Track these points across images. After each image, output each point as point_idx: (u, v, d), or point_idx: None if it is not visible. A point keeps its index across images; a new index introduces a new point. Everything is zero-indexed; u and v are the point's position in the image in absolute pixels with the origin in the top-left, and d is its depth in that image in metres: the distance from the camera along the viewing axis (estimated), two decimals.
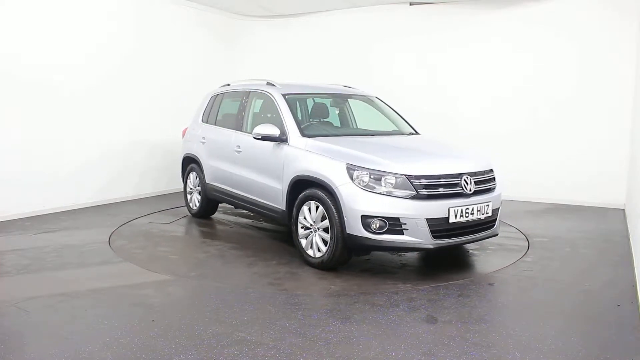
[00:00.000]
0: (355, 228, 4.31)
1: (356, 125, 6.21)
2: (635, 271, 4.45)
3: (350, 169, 4.39)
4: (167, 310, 3.67)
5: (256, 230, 6.27)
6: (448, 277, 4.48)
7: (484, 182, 4.65)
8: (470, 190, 4.44)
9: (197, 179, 6.69)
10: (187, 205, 7.00)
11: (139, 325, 3.40)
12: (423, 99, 8.61)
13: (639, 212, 4.86)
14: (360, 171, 4.35)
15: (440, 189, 4.35)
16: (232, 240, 5.78)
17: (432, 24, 8.57)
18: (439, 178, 4.37)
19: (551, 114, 7.80)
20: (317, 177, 4.60)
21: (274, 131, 5.11)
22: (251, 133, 5.38)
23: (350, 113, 6.26)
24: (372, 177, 4.31)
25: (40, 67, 6.68)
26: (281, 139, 5.12)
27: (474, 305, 3.83)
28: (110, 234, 5.82)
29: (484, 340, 3.20)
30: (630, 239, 5.54)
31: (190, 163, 6.88)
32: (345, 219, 4.35)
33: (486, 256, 5.11)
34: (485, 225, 4.62)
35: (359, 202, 4.28)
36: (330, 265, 4.56)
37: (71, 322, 3.47)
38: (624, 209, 7.25)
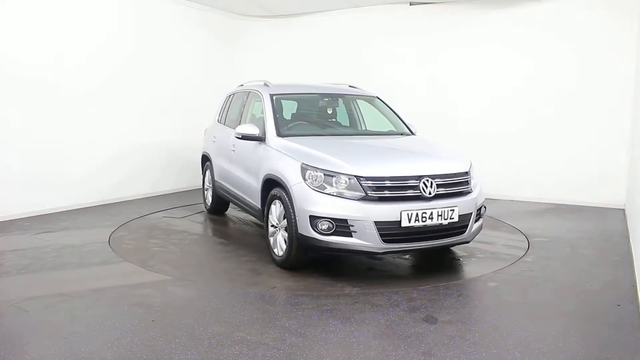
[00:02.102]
0: (305, 228, 4.28)
1: (362, 127, 6.15)
2: (635, 271, 4.45)
3: (304, 168, 4.39)
4: (167, 310, 3.67)
5: (256, 227, 6.29)
6: (448, 277, 4.48)
7: (452, 185, 4.43)
8: (429, 193, 4.25)
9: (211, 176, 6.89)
10: (204, 201, 7.27)
11: (139, 325, 3.40)
12: (423, 99, 8.61)
13: (639, 212, 4.86)
14: (312, 171, 4.34)
15: (392, 191, 4.20)
16: (225, 237, 5.93)
17: (432, 24, 8.57)
18: (393, 180, 4.23)
19: (551, 114, 7.80)
20: (278, 176, 4.64)
21: (254, 131, 5.19)
22: None
23: (349, 113, 6.21)
24: (324, 177, 4.27)
25: (40, 67, 6.68)
26: (260, 139, 5.19)
27: (474, 305, 3.83)
28: (110, 234, 5.82)
29: (484, 340, 3.20)
30: (630, 239, 5.53)
31: (206, 161, 7.12)
32: (297, 218, 4.34)
33: (486, 256, 5.11)
34: (450, 231, 4.38)
35: (308, 202, 4.25)
36: (288, 264, 4.57)
37: (71, 322, 3.47)
38: (624, 209, 7.25)
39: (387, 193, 4.19)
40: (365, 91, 6.27)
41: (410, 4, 8.64)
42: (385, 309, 3.71)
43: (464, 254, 5.17)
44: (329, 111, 6.09)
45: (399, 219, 4.11)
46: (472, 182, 4.66)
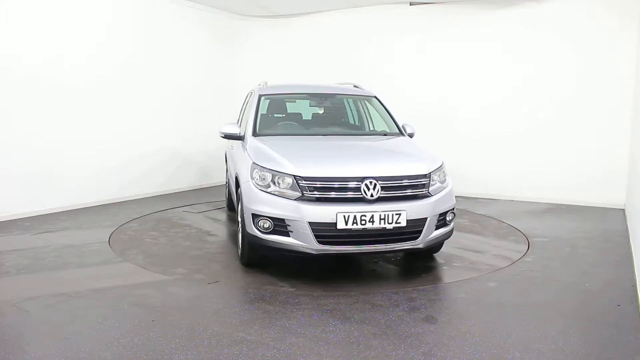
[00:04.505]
0: (249, 226, 4.33)
1: (359, 127, 6.08)
2: (635, 271, 4.45)
3: (253, 167, 4.42)
4: (167, 310, 3.67)
5: None
6: (448, 277, 4.48)
7: (401, 188, 4.22)
8: (371, 195, 4.09)
9: None
10: (226, 198, 7.55)
11: (139, 325, 3.40)
12: (423, 99, 8.62)
13: (639, 212, 4.86)
14: (258, 170, 4.36)
15: (330, 192, 4.10)
16: (221, 232, 6.06)
17: (432, 24, 8.57)
18: (330, 181, 4.12)
19: (551, 115, 7.80)
20: (238, 174, 4.72)
21: (234, 130, 5.27)
22: None
23: (344, 113, 6.11)
24: (272, 176, 4.26)
25: (40, 67, 6.68)
26: (240, 137, 5.26)
27: (474, 305, 3.83)
28: (110, 234, 5.82)
29: (484, 340, 3.20)
30: (630, 239, 5.53)
31: (227, 160, 7.31)
32: (244, 216, 4.40)
33: (486, 256, 5.11)
34: (398, 236, 4.18)
35: (252, 201, 4.29)
36: (244, 261, 4.66)
37: (71, 322, 3.47)
38: (624, 209, 7.25)
39: (324, 194, 4.11)
40: (364, 91, 6.16)
41: (410, 4, 8.64)
42: (385, 309, 3.71)
43: (463, 254, 5.18)
44: (320, 111, 6.07)
45: (335, 221, 4.02)
46: (435, 186, 4.40)
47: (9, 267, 4.62)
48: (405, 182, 4.26)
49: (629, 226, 6.12)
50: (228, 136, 5.32)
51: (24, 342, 3.17)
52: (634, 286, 4.18)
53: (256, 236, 4.28)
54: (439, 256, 5.06)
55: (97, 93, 7.41)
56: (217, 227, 6.37)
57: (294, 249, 4.14)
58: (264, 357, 2.96)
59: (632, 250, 5.10)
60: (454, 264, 4.87)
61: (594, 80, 7.50)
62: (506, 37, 8.06)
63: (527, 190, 8.02)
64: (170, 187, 8.71)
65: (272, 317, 3.55)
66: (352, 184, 4.12)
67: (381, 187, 4.14)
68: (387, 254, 5.05)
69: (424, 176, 4.35)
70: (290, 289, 4.12)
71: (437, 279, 4.43)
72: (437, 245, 4.68)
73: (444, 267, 4.79)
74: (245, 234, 4.45)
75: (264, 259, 4.76)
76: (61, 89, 6.94)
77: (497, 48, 8.15)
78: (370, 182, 4.13)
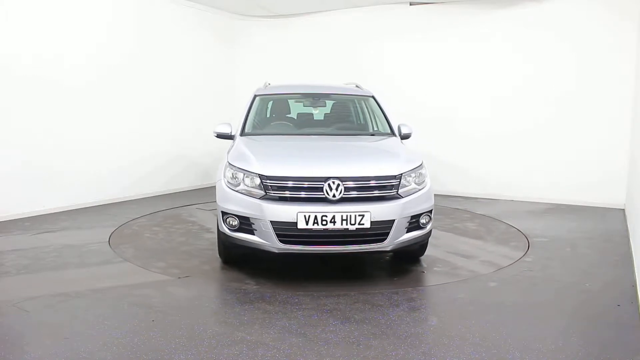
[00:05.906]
0: (221, 224, 4.43)
1: (355, 126, 6.05)
2: (635, 271, 4.45)
3: (226, 166, 4.49)
4: (167, 310, 3.67)
5: None
6: (448, 277, 4.48)
7: (367, 189, 4.15)
8: (333, 196, 4.06)
9: None
10: None
11: (139, 325, 3.40)
12: (423, 99, 8.62)
13: (639, 212, 4.86)
14: (229, 168, 4.43)
15: (292, 192, 4.11)
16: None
17: (432, 24, 8.57)
18: (293, 180, 4.13)
19: (551, 114, 7.81)
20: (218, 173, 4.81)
21: (226, 129, 5.30)
22: None
23: (340, 112, 6.03)
24: (243, 175, 4.30)
25: (40, 68, 6.68)
26: (231, 137, 5.30)
27: (474, 305, 3.83)
28: (110, 234, 5.82)
29: (484, 340, 3.20)
30: (630, 239, 5.53)
31: None
32: (218, 214, 4.48)
33: (486, 256, 5.11)
34: (362, 237, 4.10)
35: (222, 199, 4.39)
36: (223, 258, 4.77)
37: (71, 322, 3.47)
38: (624, 209, 7.25)
39: (286, 193, 4.13)
40: (361, 91, 6.08)
41: (410, 4, 8.64)
42: (385, 309, 3.71)
43: (450, 258, 5.18)
44: (315, 111, 6.06)
45: (295, 220, 4.01)
46: (408, 187, 4.30)
47: (9, 267, 4.62)
48: (371, 183, 4.19)
49: (629, 226, 6.12)
50: (220, 135, 5.31)
51: (24, 342, 3.17)
52: (634, 286, 4.18)
53: (224, 233, 4.38)
54: (424, 259, 4.97)
55: (97, 93, 7.41)
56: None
57: (258, 246, 4.21)
58: (264, 357, 2.96)
59: (632, 250, 5.10)
60: (435, 268, 4.75)
61: (594, 80, 7.50)
62: (506, 37, 8.06)
63: (527, 190, 8.02)
64: (171, 187, 8.71)
65: (272, 317, 3.55)
66: (314, 184, 4.11)
67: (345, 187, 4.11)
68: (375, 255, 5.03)
69: (393, 177, 4.25)
70: (254, 287, 4.18)
71: (436, 279, 4.42)
72: (415, 248, 4.60)
73: (441, 267, 4.76)
74: (219, 232, 4.55)
75: (243, 257, 4.80)
76: (61, 89, 6.94)
77: (497, 48, 8.15)
78: (334, 182, 4.10)
